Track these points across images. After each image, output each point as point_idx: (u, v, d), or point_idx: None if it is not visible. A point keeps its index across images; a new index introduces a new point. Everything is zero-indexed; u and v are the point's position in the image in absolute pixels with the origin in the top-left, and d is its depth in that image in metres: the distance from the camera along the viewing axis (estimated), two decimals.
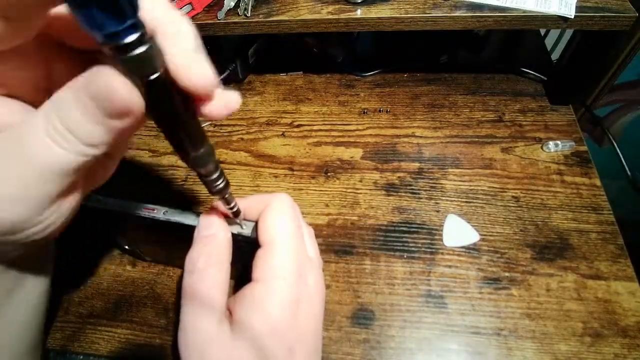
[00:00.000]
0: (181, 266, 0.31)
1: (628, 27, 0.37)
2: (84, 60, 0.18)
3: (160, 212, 0.27)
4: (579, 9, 0.37)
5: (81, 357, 0.35)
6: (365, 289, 0.36)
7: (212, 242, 0.23)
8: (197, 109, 0.17)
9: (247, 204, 0.25)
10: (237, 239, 0.25)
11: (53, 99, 0.15)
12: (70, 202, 0.18)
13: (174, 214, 0.27)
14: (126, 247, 0.38)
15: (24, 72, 0.17)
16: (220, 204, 0.24)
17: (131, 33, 0.12)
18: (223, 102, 0.17)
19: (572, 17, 0.37)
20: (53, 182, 0.15)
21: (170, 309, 0.37)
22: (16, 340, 0.23)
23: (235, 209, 0.23)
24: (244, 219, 0.25)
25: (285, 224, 0.24)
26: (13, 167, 0.15)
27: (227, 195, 0.22)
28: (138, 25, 0.12)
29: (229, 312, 0.23)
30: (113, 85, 0.13)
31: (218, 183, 0.20)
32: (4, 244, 0.17)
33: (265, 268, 0.23)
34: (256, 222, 0.25)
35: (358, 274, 0.37)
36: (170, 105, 0.15)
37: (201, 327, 0.22)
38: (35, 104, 0.18)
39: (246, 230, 0.25)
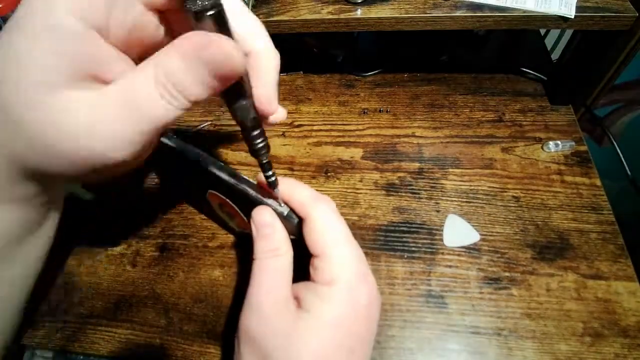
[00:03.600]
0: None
1: (628, 27, 0.37)
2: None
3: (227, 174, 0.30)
4: (579, 9, 0.37)
5: (81, 357, 0.35)
6: None
7: (273, 238, 0.25)
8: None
9: (290, 195, 0.27)
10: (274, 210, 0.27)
11: (160, 62, 0.17)
12: (153, 144, 0.21)
13: (240, 179, 0.29)
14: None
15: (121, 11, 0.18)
16: (260, 176, 0.26)
17: None
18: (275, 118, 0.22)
19: (572, 17, 0.37)
20: (156, 129, 0.18)
21: (170, 308, 0.37)
22: (26, 277, 0.26)
23: (272, 179, 0.25)
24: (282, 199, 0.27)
25: (338, 232, 0.25)
26: (127, 116, 0.17)
27: (264, 160, 0.24)
28: None
29: (296, 299, 0.25)
30: (231, 53, 0.16)
31: (258, 142, 0.22)
32: (101, 172, 0.19)
33: (326, 274, 0.24)
34: (292, 210, 0.27)
35: None
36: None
37: (268, 304, 0.24)
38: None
39: (283, 208, 0.27)
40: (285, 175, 0.45)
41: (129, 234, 0.42)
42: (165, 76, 0.16)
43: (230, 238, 0.41)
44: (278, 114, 0.23)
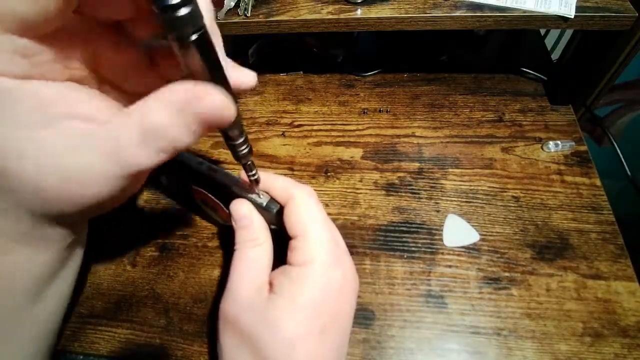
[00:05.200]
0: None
1: (628, 27, 0.37)
2: (120, 38, 0.20)
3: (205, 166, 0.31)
4: (579, 9, 0.37)
5: (81, 357, 0.35)
6: (365, 289, 0.36)
7: (251, 228, 0.27)
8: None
9: (272, 183, 0.28)
10: (254, 204, 0.28)
11: (147, 114, 0.16)
12: (141, 183, 0.22)
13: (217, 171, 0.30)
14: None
15: (74, 51, 0.18)
16: (242, 174, 0.26)
17: None
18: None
19: (572, 17, 0.37)
20: (142, 174, 0.18)
21: (170, 308, 0.37)
22: (56, 309, 0.27)
23: (255, 177, 0.26)
24: (262, 191, 0.28)
25: (317, 215, 0.26)
26: (112, 161, 0.17)
27: (249, 162, 0.24)
28: None
29: (270, 286, 0.25)
30: (221, 107, 0.16)
31: (242, 148, 0.22)
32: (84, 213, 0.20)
33: (302, 255, 0.25)
34: (272, 198, 0.28)
35: (358, 273, 0.37)
36: (210, 62, 0.17)
37: (245, 289, 0.25)
38: (91, 86, 0.20)
39: (262, 200, 0.28)
40: (286, 175, 0.45)
41: (129, 233, 0.42)
42: (154, 129, 0.16)
43: (230, 238, 0.41)
44: (247, 77, 0.22)
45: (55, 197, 0.18)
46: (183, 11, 0.14)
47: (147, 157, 0.17)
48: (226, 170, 0.30)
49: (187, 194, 0.35)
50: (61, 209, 0.19)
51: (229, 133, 0.21)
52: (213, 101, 0.16)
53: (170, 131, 0.16)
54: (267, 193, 0.28)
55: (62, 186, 0.18)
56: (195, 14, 0.15)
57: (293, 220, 0.26)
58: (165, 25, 0.15)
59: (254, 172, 0.25)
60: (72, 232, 0.23)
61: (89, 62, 0.19)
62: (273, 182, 0.28)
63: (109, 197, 0.19)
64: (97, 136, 0.17)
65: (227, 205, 0.28)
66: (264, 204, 0.27)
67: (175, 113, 0.16)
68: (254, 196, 0.28)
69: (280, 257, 0.26)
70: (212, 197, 0.32)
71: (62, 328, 0.36)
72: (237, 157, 0.23)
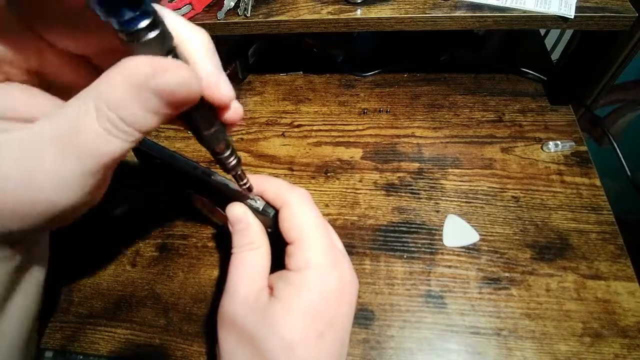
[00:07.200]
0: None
1: (628, 27, 0.37)
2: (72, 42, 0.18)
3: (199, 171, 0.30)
4: (579, 9, 0.37)
5: (81, 357, 0.35)
6: (365, 289, 0.36)
7: (247, 232, 0.26)
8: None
9: (264, 187, 0.27)
10: (250, 208, 0.28)
11: (102, 93, 0.14)
12: (107, 183, 0.19)
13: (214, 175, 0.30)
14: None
15: (19, 56, 0.17)
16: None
17: (145, 18, 0.13)
18: (234, 110, 0.20)
19: (572, 17, 0.37)
20: (105, 167, 0.16)
21: (170, 309, 0.37)
22: (17, 328, 0.24)
23: (247, 185, 0.26)
24: (257, 195, 0.28)
25: (312, 219, 0.26)
26: (69, 156, 0.15)
27: (239, 172, 0.24)
28: (149, 11, 0.13)
29: (269, 290, 0.25)
30: (187, 79, 0.14)
31: (230, 160, 0.22)
32: (45, 222, 0.17)
33: (299, 260, 0.25)
34: (267, 202, 0.27)
35: (358, 274, 0.37)
36: None
37: (244, 291, 0.25)
38: (32, 84, 0.18)
39: (258, 204, 0.27)
40: (285, 175, 0.45)
41: (129, 233, 0.42)
42: (110, 109, 0.14)
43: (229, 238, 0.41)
44: (234, 110, 0.20)
45: (8, 207, 0.15)
46: (151, 35, 0.13)
47: (110, 145, 0.15)
48: (221, 175, 0.30)
49: (185, 198, 0.35)
50: (16, 223, 0.16)
51: (215, 148, 0.21)
52: (176, 75, 0.14)
53: (132, 112, 0.14)
54: (262, 197, 0.28)
55: (16, 194, 0.15)
56: (164, 36, 0.14)
57: (288, 227, 0.25)
58: (133, 51, 0.14)
59: (244, 181, 0.25)
60: (17, 252, 0.19)
61: (30, 66, 0.18)
62: (265, 186, 0.27)
63: (76, 201, 0.16)
64: (48, 127, 0.15)
65: (224, 208, 0.28)
66: (260, 208, 0.27)
67: (134, 89, 0.14)
68: (250, 200, 0.28)
69: (279, 260, 0.26)
70: (209, 202, 0.32)
71: (62, 328, 0.36)
72: (226, 169, 0.23)
